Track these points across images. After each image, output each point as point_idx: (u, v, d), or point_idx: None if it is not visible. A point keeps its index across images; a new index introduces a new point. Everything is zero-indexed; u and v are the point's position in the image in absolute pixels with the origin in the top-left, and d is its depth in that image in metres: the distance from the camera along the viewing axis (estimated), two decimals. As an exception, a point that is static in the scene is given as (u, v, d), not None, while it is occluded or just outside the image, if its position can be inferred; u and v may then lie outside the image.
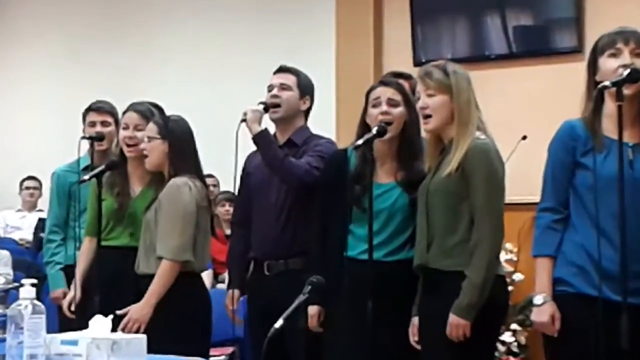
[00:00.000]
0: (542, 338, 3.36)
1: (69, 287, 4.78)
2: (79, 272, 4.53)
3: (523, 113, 6.47)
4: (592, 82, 3.30)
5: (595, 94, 3.19)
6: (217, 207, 7.18)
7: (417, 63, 6.95)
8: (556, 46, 6.77)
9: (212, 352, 4.94)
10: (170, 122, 4.31)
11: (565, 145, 3.30)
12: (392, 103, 3.80)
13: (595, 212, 3.17)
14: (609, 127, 3.21)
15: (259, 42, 7.88)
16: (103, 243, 4.34)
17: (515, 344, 5.90)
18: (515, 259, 5.98)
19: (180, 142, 4.27)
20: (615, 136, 3.15)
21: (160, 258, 4.13)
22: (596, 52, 3.30)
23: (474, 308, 3.43)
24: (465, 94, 3.57)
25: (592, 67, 3.31)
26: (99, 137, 4.82)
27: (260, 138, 4.18)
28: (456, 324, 3.44)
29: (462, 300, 3.44)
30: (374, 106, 3.81)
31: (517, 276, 5.91)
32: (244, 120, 4.19)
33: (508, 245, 5.89)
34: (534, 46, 6.92)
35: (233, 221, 4.60)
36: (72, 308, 4.55)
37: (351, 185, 3.83)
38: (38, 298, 2.69)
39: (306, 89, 4.36)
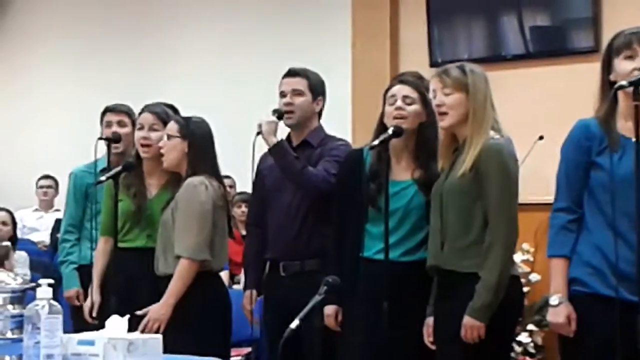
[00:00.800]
0: (557, 339, 3.35)
1: (82, 286, 4.80)
2: (97, 274, 4.54)
3: (540, 113, 6.45)
4: (607, 82, 3.28)
5: (611, 94, 3.18)
6: (234, 208, 7.18)
7: (433, 63, 6.94)
8: (573, 46, 6.74)
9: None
10: (191, 122, 4.32)
11: (580, 145, 3.28)
12: (407, 101, 3.80)
13: (610, 212, 3.15)
14: (623, 126, 3.21)
15: (274, 42, 7.89)
16: (120, 244, 4.34)
17: (532, 344, 5.89)
18: (531, 259, 5.97)
19: (200, 143, 4.27)
20: (630, 135, 3.15)
21: (178, 257, 4.14)
22: (611, 52, 3.28)
23: (489, 310, 3.43)
24: (481, 93, 3.56)
25: (607, 67, 3.29)
26: (116, 138, 4.83)
27: (277, 150, 4.18)
28: (471, 326, 3.43)
29: (476, 302, 3.43)
30: (390, 104, 3.82)
31: (534, 276, 5.90)
32: (259, 132, 4.19)
33: (524, 246, 5.88)
34: (551, 46, 6.89)
35: (248, 222, 4.61)
36: (94, 314, 4.54)
37: (366, 184, 3.83)
38: (55, 298, 2.70)
39: (318, 89, 4.35)
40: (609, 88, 3.25)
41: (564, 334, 3.27)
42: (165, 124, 4.39)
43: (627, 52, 3.22)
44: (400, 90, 3.82)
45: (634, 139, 3.10)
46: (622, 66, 3.22)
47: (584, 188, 3.29)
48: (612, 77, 3.26)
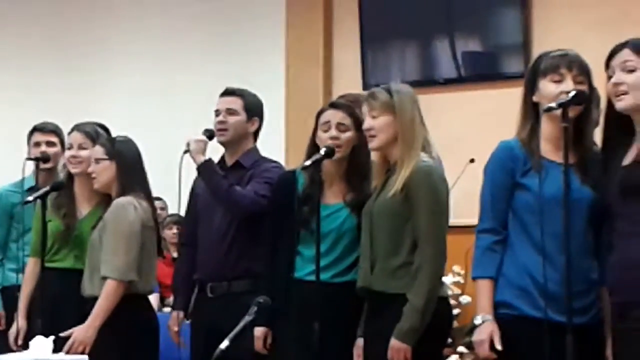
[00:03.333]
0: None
1: (5, 309, 4.70)
2: (24, 299, 4.45)
3: (471, 136, 6.50)
4: (529, 102, 3.29)
5: (540, 115, 3.20)
6: (165, 230, 7.11)
7: (366, 87, 6.95)
8: (504, 71, 6.82)
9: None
10: (117, 142, 4.30)
11: (504, 166, 3.28)
12: (342, 128, 3.81)
13: (537, 233, 3.17)
14: (546, 148, 3.22)
15: (208, 64, 7.85)
16: (48, 264, 4.27)
17: (463, 366, 5.91)
18: (462, 281, 6.00)
19: (128, 162, 4.25)
20: (552, 157, 3.19)
21: (104, 278, 4.08)
22: (537, 73, 3.27)
23: (416, 332, 3.43)
24: (408, 113, 3.58)
25: (530, 87, 3.29)
26: (44, 158, 4.77)
27: (204, 169, 4.16)
28: (397, 348, 3.43)
29: (403, 324, 3.43)
30: (324, 130, 3.82)
31: (464, 298, 5.92)
32: (187, 151, 4.17)
33: (455, 268, 5.91)
34: (482, 71, 6.97)
35: (181, 242, 4.57)
36: (19, 342, 4.44)
37: (299, 206, 3.83)
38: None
39: (254, 110, 4.33)
40: (531, 108, 3.28)
41: (482, 355, 3.23)
42: (94, 142, 4.36)
43: (554, 76, 3.23)
44: (334, 116, 3.83)
45: (558, 161, 3.13)
46: (549, 89, 3.22)
47: (509, 209, 3.29)
48: (535, 98, 3.27)
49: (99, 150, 4.27)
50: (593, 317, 3.20)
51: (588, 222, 3.21)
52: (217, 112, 4.31)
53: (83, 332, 4.05)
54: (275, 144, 6.38)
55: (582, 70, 3.25)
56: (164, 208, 7.41)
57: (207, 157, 4.17)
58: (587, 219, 3.21)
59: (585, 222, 3.20)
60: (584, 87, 3.22)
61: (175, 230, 7.00)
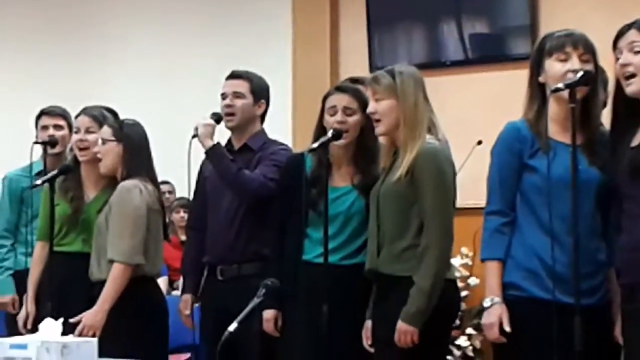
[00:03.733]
0: (491, 343, 3.33)
1: (17, 292, 4.72)
2: (32, 283, 4.46)
3: (478, 118, 6.50)
4: (536, 83, 3.29)
5: (548, 96, 3.20)
6: (173, 213, 7.13)
7: (373, 69, 6.94)
8: (511, 52, 6.81)
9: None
10: (125, 126, 4.31)
11: (511, 148, 3.28)
12: (348, 112, 3.81)
13: (545, 215, 3.17)
14: (553, 129, 3.21)
15: (214, 47, 7.84)
16: (56, 248, 4.28)
17: (471, 348, 5.92)
18: (470, 263, 6.00)
19: (135, 145, 4.25)
20: (559, 138, 3.19)
21: (111, 262, 4.09)
22: (542, 53, 3.27)
23: (422, 314, 3.42)
24: (411, 96, 3.56)
25: (536, 68, 3.29)
26: (52, 142, 4.78)
27: (213, 153, 4.16)
28: (404, 331, 3.43)
29: (409, 307, 3.43)
30: (331, 114, 3.81)
31: (473, 280, 5.92)
32: (195, 135, 4.16)
33: (463, 250, 5.92)
34: (490, 53, 6.95)
35: (189, 225, 4.58)
36: (29, 325, 4.45)
37: (307, 189, 3.83)
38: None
39: (260, 93, 4.33)
40: (537, 89, 3.27)
41: (491, 337, 3.24)
42: (101, 126, 4.36)
43: (560, 55, 3.23)
44: (341, 100, 3.83)
45: (566, 142, 3.13)
46: (555, 68, 3.22)
47: (517, 191, 3.28)
48: (541, 79, 3.27)
49: (106, 131, 4.27)
50: (601, 299, 3.21)
51: (596, 204, 3.21)
52: (224, 95, 4.31)
53: (92, 317, 4.06)
54: (282, 127, 6.38)
55: (587, 49, 3.24)
56: (172, 192, 7.43)
57: (215, 142, 4.17)
58: (595, 200, 3.21)
59: (592, 204, 3.20)
60: (589, 66, 3.22)
61: (183, 214, 7.01)
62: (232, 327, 2.94)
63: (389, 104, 3.56)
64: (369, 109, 3.61)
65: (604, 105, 3.65)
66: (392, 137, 3.62)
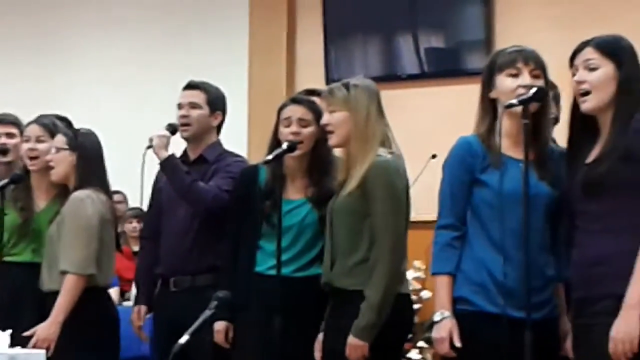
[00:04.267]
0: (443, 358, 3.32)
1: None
2: None
3: (433, 132, 6.53)
4: (487, 98, 3.31)
5: (500, 113, 3.21)
6: (125, 223, 7.07)
7: (329, 82, 6.96)
8: (466, 67, 6.87)
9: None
10: (80, 135, 4.29)
11: (463, 162, 3.29)
12: (303, 123, 3.81)
13: (495, 229, 3.19)
14: (504, 144, 3.22)
15: (171, 56, 7.82)
16: (5, 258, 4.24)
17: (422, 361, 5.94)
18: (423, 276, 6.02)
19: (88, 155, 4.23)
20: (510, 153, 3.21)
21: (63, 273, 4.05)
22: (493, 69, 3.29)
23: (372, 329, 3.43)
24: (363, 109, 3.57)
25: (488, 83, 3.31)
26: (3, 150, 4.71)
27: (167, 164, 4.13)
28: (355, 345, 3.43)
29: (360, 321, 3.43)
30: (285, 126, 3.81)
31: (425, 294, 5.95)
32: (150, 146, 4.14)
33: (416, 263, 5.94)
34: (445, 66, 7.01)
35: (142, 236, 4.55)
36: None
37: (261, 201, 3.82)
38: None
39: (217, 104, 4.32)
40: (489, 104, 3.30)
41: (441, 352, 3.25)
42: (52, 135, 4.32)
43: (511, 70, 3.25)
44: (295, 112, 3.83)
45: (516, 157, 3.15)
46: (506, 84, 3.24)
47: (467, 205, 3.29)
48: (492, 95, 3.29)
49: (60, 140, 4.25)
50: (549, 313, 3.24)
51: (545, 218, 3.24)
52: (180, 106, 4.29)
53: (46, 329, 4.02)
54: (237, 138, 6.37)
55: (538, 65, 3.27)
56: (122, 202, 7.37)
57: (169, 153, 4.15)
58: (544, 215, 3.23)
59: (542, 218, 3.23)
60: (540, 82, 3.25)
61: (135, 224, 6.97)
62: (183, 339, 2.92)
63: (342, 116, 3.57)
64: (323, 120, 3.63)
65: (556, 121, 3.69)
66: (347, 150, 3.62)
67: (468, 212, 3.30)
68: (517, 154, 3.15)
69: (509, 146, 3.21)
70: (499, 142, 3.20)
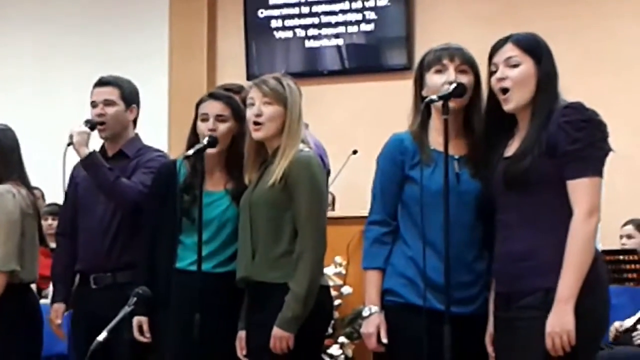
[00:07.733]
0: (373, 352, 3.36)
1: None
2: None
3: (354, 128, 6.58)
4: (419, 96, 3.34)
5: (422, 108, 3.25)
6: (41, 220, 6.94)
7: (250, 77, 6.97)
8: (387, 63, 6.93)
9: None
10: None
11: (394, 159, 3.32)
12: (220, 119, 3.79)
13: (422, 225, 3.21)
14: (436, 140, 3.26)
15: (90, 51, 7.73)
16: None
17: (343, 357, 5.95)
18: (344, 272, 6.03)
19: (6, 150, 4.17)
20: (441, 149, 3.22)
21: (-15, 269, 3.98)
22: (423, 68, 3.34)
23: (298, 320, 3.45)
24: (297, 109, 3.62)
25: (419, 82, 3.35)
26: None
27: (89, 162, 4.07)
28: (280, 337, 3.45)
29: (285, 312, 3.45)
30: (203, 120, 3.79)
31: (346, 289, 5.95)
32: (70, 143, 4.07)
33: (337, 259, 5.94)
34: (366, 63, 7.06)
35: (58, 232, 4.47)
36: None
37: (180, 195, 3.79)
38: None
39: (131, 98, 4.26)
40: (421, 103, 3.32)
41: (370, 347, 3.28)
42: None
43: (437, 67, 3.29)
44: (213, 107, 3.81)
45: (450, 153, 3.18)
46: (433, 80, 3.29)
47: (398, 201, 3.33)
48: (424, 92, 3.32)
49: None
50: (478, 308, 3.24)
51: (477, 214, 3.26)
52: (94, 104, 4.22)
53: None
54: (158, 133, 6.33)
55: (465, 61, 3.30)
56: (39, 198, 7.24)
57: (91, 150, 4.09)
58: (476, 211, 3.26)
59: (473, 214, 3.25)
60: (468, 77, 3.27)
61: (51, 221, 6.84)
62: (102, 336, 2.89)
63: (277, 111, 3.58)
64: (255, 110, 3.59)
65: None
66: (264, 144, 3.61)
67: (399, 208, 3.32)
68: (450, 149, 3.17)
69: (441, 142, 3.23)
70: (431, 139, 3.25)
